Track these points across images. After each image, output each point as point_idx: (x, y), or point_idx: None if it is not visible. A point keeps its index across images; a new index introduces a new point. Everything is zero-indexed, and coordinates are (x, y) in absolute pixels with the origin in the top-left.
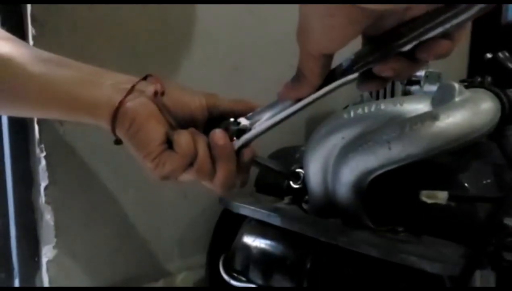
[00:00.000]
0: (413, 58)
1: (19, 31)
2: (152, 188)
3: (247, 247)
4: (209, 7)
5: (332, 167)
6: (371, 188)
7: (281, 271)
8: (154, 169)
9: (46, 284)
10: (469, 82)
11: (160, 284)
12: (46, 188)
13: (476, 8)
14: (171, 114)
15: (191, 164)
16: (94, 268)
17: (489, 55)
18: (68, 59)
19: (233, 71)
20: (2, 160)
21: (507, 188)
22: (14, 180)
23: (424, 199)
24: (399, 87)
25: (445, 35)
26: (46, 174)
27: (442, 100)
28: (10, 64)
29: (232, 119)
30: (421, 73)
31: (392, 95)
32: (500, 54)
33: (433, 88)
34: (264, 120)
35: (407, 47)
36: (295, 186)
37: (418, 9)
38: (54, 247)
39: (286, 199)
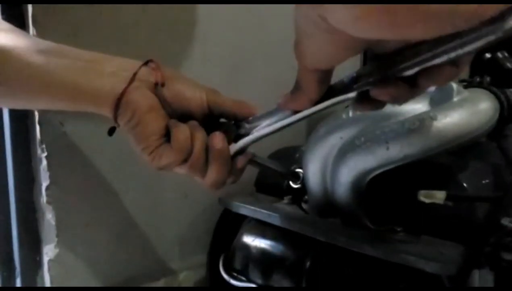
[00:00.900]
0: (413, 83)
1: None
2: (153, 188)
3: (246, 247)
4: (209, 7)
5: (331, 167)
6: (370, 188)
7: (280, 271)
8: (151, 161)
9: (47, 283)
10: (467, 82)
11: (161, 283)
12: (47, 188)
13: (490, 38)
14: (171, 107)
15: (186, 159)
16: (95, 267)
17: (488, 55)
18: (68, 47)
19: (233, 72)
20: (4, 160)
21: (506, 187)
22: (15, 180)
23: (422, 198)
24: None
25: (451, 61)
26: (47, 174)
27: (441, 100)
28: (11, 56)
29: (233, 122)
30: None
31: None
32: (499, 54)
33: (432, 88)
34: (263, 127)
35: (409, 72)
36: (295, 186)
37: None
38: (55, 246)
39: (286, 199)
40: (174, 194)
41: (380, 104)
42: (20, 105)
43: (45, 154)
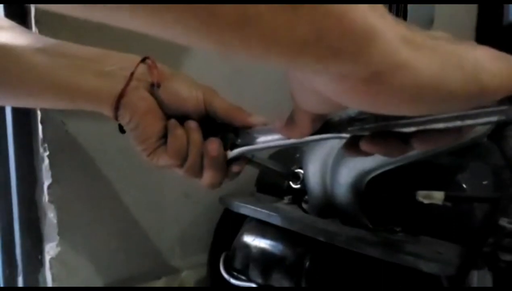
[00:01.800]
0: (406, 141)
1: None
2: (154, 187)
3: (247, 246)
4: None
5: (331, 167)
6: (369, 188)
7: (280, 270)
8: (150, 161)
9: (49, 281)
10: None
11: (161, 282)
12: (49, 187)
13: (492, 119)
14: (168, 107)
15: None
16: (96, 266)
17: None
18: (67, 43)
19: (234, 74)
20: (6, 158)
21: (505, 188)
22: (17, 178)
23: (420, 199)
24: None
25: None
26: (49, 173)
27: None
28: (12, 54)
29: (231, 128)
30: None
31: None
32: None
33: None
34: (261, 140)
35: (406, 130)
36: (295, 186)
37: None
38: (57, 245)
39: (286, 199)
40: (175, 194)
41: (369, 153)
42: (20, 104)
43: (47, 152)
